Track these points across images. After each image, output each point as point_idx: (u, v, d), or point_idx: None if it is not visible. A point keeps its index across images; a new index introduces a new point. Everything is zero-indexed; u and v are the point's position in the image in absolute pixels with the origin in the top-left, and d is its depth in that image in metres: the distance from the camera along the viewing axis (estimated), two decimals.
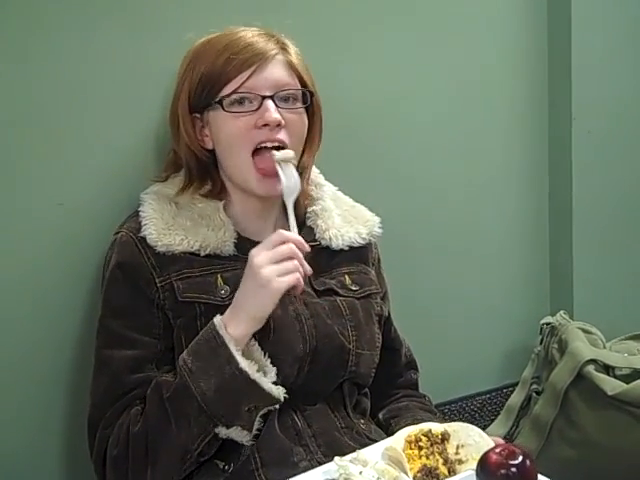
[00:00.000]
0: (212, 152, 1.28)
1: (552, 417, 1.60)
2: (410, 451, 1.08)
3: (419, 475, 1.05)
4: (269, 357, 1.15)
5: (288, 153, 1.22)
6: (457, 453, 1.09)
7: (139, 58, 1.36)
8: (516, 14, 1.81)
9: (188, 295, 1.20)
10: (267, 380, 1.13)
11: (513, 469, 0.91)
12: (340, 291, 1.30)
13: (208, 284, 1.20)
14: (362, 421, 1.29)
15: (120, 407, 1.18)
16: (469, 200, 1.80)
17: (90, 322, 1.29)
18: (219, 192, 1.29)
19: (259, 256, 1.13)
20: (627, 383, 1.56)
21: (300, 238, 1.16)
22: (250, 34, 1.24)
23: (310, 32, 1.46)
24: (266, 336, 1.18)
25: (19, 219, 1.30)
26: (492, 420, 1.73)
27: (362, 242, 1.35)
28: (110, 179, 1.36)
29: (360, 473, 0.99)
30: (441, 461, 1.07)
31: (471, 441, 1.09)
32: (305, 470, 1.11)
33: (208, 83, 1.23)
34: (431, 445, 1.09)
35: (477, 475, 0.95)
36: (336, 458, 1.04)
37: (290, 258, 1.13)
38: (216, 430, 1.12)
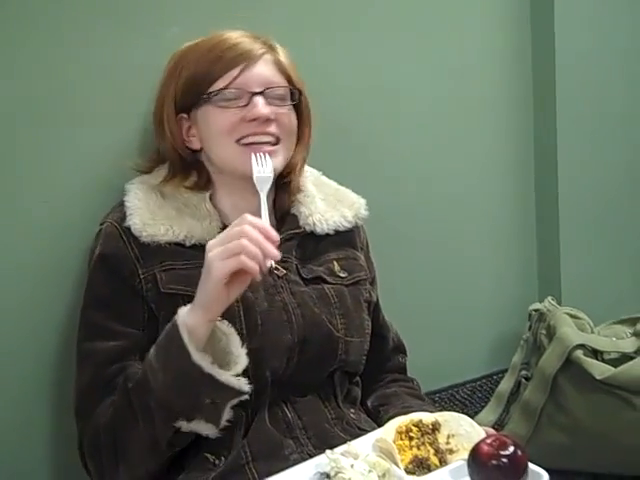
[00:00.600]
0: (196, 152, 1.28)
1: (542, 402, 1.60)
2: (401, 442, 1.08)
3: (410, 466, 1.04)
4: (257, 350, 1.14)
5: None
6: (448, 443, 1.08)
7: (123, 53, 1.34)
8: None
9: (171, 287, 1.19)
10: (226, 372, 1.07)
11: (504, 459, 0.91)
12: (328, 279, 1.29)
13: (191, 277, 1.18)
14: (352, 411, 1.29)
15: (100, 397, 1.17)
16: (456, 189, 1.79)
17: (76, 317, 1.27)
18: (205, 184, 1.28)
19: (213, 240, 1.08)
20: (615, 367, 1.56)
21: (263, 223, 1.08)
22: (236, 35, 1.24)
23: (297, 28, 1.47)
24: (253, 328, 1.17)
25: (4, 216, 1.29)
26: (482, 407, 1.73)
27: (348, 225, 1.34)
28: (95, 174, 1.34)
29: (352, 466, 0.99)
30: (432, 451, 1.07)
31: (462, 431, 1.09)
32: (296, 463, 1.10)
33: (196, 82, 1.22)
34: (422, 435, 1.09)
35: (468, 466, 0.95)
36: (327, 451, 1.04)
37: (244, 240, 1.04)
38: (177, 424, 1.10)
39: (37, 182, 1.30)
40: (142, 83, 1.33)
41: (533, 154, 1.90)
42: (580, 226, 1.91)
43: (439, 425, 1.10)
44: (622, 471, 1.58)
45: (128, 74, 1.34)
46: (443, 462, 1.06)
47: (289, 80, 1.27)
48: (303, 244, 1.29)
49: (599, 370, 1.56)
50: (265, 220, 1.12)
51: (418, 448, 1.07)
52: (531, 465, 0.97)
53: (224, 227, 1.23)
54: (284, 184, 1.32)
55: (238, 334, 1.12)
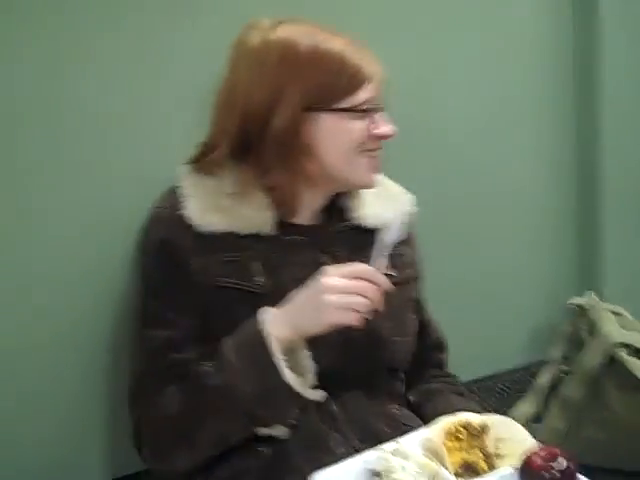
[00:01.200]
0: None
1: (582, 399, 1.60)
2: (450, 443, 1.07)
3: (460, 470, 1.04)
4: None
5: None
6: (497, 447, 1.07)
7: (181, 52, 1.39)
8: None
9: (223, 280, 1.19)
10: (310, 389, 1.13)
11: (557, 474, 0.92)
12: None
13: (244, 269, 1.19)
14: (396, 406, 1.30)
15: (157, 387, 1.19)
16: (497, 180, 1.80)
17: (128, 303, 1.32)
18: (261, 174, 1.24)
19: (331, 278, 1.11)
20: None
21: (384, 279, 1.13)
22: (346, 42, 1.21)
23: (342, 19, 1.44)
24: None
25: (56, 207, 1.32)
26: (518, 398, 1.73)
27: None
28: (143, 163, 1.38)
29: (403, 468, 0.99)
30: (481, 456, 1.07)
31: (510, 435, 1.08)
32: (342, 457, 1.11)
33: (331, 89, 1.19)
34: (470, 438, 1.08)
35: (519, 476, 0.95)
36: (378, 449, 1.05)
37: (361, 297, 1.10)
38: (255, 429, 1.15)
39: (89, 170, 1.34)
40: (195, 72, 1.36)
41: (575, 141, 1.88)
42: (621, 218, 1.89)
43: (487, 428, 1.09)
44: None
45: (184, 69, 1.38)
46: (491, 467, 1.06)
47: None
48: (353, 238, 1.29)
49: None
50: (378, 266, 1.15)
51: (467, 452, 1.07)
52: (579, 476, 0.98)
53: (279, 218, 1.24)
54: None
55: None
